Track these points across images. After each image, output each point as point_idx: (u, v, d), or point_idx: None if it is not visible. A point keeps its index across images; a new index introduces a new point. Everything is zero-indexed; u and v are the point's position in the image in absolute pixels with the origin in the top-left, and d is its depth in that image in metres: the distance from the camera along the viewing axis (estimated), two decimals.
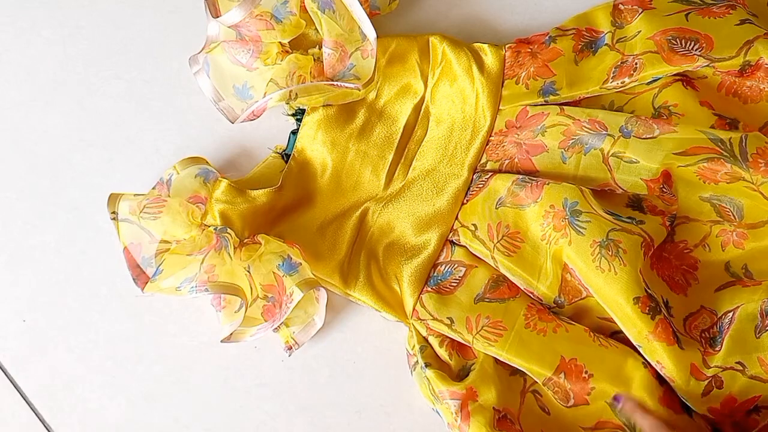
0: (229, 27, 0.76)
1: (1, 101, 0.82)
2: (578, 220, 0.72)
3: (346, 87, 0.76)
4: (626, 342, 0.72)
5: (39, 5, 0.84)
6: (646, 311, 0.70)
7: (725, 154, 0.71)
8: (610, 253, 0.71)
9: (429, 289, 0.76)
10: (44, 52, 0.83)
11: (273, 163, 0.80)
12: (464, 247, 0.77)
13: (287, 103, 0.76)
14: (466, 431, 0.70)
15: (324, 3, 0.76)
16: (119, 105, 0.82)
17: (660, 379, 0.71)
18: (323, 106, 0.78)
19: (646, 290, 0.70)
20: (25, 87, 0.82)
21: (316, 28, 0.80)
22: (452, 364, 0.74)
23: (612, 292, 0.71)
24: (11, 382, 0.77)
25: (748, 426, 0.70)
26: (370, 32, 0.76)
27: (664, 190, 0.74)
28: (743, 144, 0.71)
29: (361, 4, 0.76)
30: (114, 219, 0.75)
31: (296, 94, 0.75)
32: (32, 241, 0.79)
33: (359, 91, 0.76)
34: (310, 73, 0.78)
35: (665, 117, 0.75)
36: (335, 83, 0.76)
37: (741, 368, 0.70)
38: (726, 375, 0.70)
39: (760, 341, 0.70)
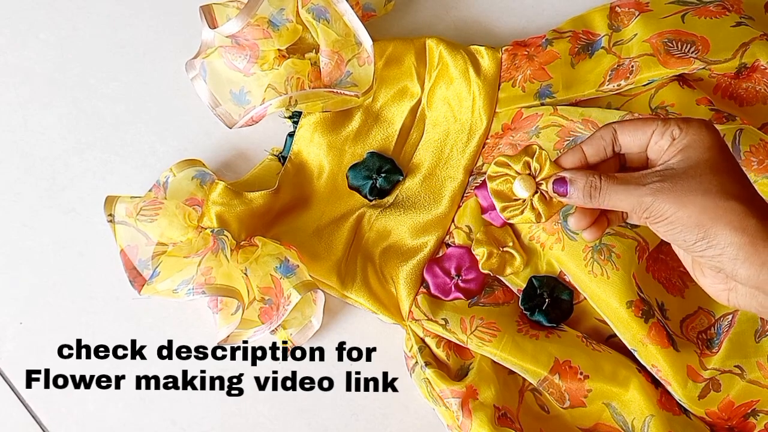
0: (226, 37, 0.76)
1: None
2: None
3: (346, 95, 0.76)
4: (620, 348, 0.72)
5: (36, 7, 0.84)
6: (639, 315, 0.70)
7: None
8: (602, 257, 0.71)
9: (424, 290, 0.76)
10: (41, 54, 0.83)
11: (269, 166, 0.80)
12: None
13: (286, 109, 0.76)
14: (468, 427, 0.70)
15: (319, 13, 0.76)
16: (116, 107, 0.82)
17: (656, 382, 0.71)
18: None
19: (638, 294, 0.70)
20: (22, 89, 0.82)
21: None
22: (450, 364, 0.74)
23: (605, 297, 0.71)
24: (8, 384, 0.77)
25: (746, 430, 0.70)
26: (366, 40, 0.76)
27: None
28: (736, 141, 0.71)
29: (353, 7, 0.76)
30: (111, 221, 0.75)
31: (296, 100, 0.75)
32: (29, 243, 0.79)
33: (358, 98, 0.76)
34: (308, 77, 0.78)
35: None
36: (334, 90, 0.76)
37: (739, 372, 0.70)
38: (724, 378, 0.70)
39: (760, 346, 0.70)
